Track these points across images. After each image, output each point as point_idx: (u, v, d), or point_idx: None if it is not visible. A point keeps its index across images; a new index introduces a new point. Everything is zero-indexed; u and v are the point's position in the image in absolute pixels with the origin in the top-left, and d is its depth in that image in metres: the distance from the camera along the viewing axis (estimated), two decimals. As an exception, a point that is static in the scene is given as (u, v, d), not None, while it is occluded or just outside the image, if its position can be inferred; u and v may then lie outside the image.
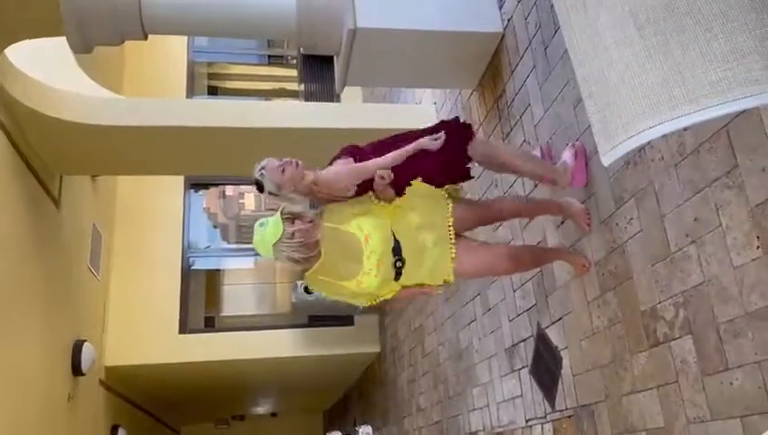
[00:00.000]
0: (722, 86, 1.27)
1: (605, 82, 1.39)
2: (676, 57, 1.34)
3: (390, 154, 2.67)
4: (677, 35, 1.36)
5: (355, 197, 2.67)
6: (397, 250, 2.57)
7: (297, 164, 2.62)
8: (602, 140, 1.39)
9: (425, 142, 2.71)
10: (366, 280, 2.53)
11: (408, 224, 2.64)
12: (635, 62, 1.37)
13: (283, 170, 2.59)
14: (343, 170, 2.66)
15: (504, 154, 2.99)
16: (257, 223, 2.52)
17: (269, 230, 2.45)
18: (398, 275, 2.60)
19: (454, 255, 2.64)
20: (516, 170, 3.09)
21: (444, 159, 2.74)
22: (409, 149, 2.69)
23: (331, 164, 2.76)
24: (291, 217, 2.46)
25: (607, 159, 1.39)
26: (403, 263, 2.58)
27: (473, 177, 2.97)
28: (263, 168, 2.62)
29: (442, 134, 2.74)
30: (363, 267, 2.50)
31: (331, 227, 2.55)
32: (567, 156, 2.94)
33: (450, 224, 2.68)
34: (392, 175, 2.63)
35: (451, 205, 2.72)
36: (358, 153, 2.74)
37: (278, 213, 2.47)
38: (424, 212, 2.68)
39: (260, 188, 2.64)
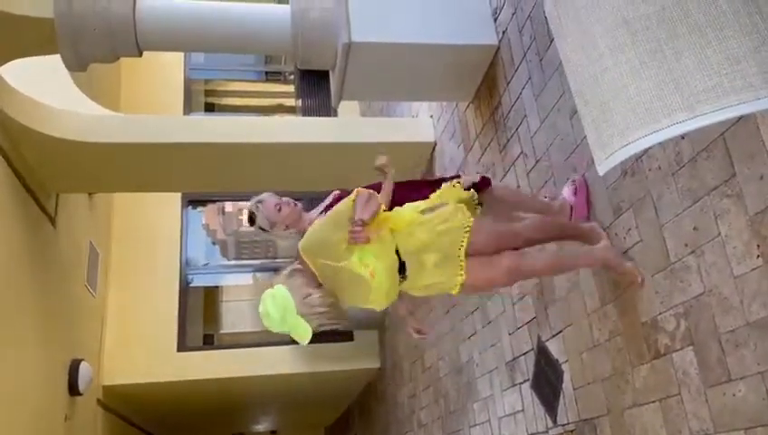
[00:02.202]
0: (717, 93, 1.25)
1: (599, 91, 1.37)
2: (671, 64, 1.32)
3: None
4: (671, 42, 1.35)
5: None
6: (402, 269, 2.48)
7: (295, 205, 2.60)
8: (597, 149, 1.37)
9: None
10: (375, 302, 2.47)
11: (413, 244, 2.47)
12: (629, 70, 1.35)
13: (280, 209, 2.57)
14: None
15: (499, 193, 2.98)
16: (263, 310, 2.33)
17: (280, 309, 2.28)
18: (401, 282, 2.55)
19: (461, 279, 2.48)
20: (511, 203, 3.07)
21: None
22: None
23: (325, 212, 2.73)
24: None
25: (602, 168, 1.37)
26: (406, 278, 2.53)
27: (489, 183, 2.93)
28: (260, 201, 2.60)
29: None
30: (370, 295, 2.43)
31: (328, 264, 2.37)
32: (566, 192, 2.93)
33: (461, 254, 2.47)
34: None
35: (468, 232, 2.48)
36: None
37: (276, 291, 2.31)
38: (434, 234, 2.49)
39: (251, 220, 2.61)
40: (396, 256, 2.44)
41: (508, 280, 2.61)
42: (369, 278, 2.35)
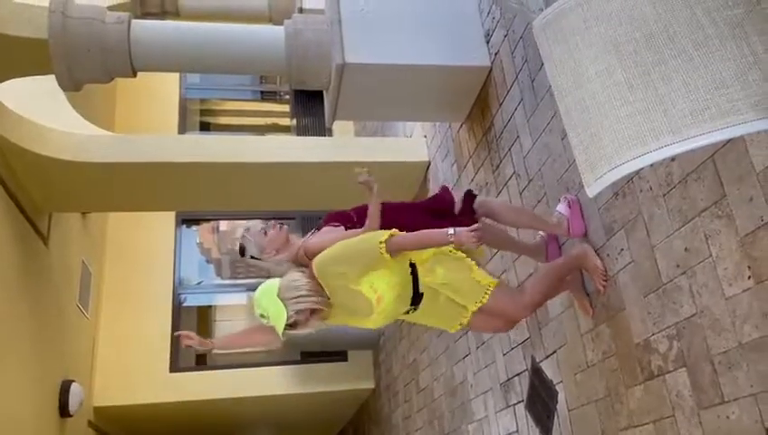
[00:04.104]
0: (704, 116, 1.27)
1: (587, 114, 1.38)
2: (659, 88, 1.34)
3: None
4: (659, 67, 1.37)
5: None
6: (415, 300, 2.49)
7: (281, 227, 2.60)
8: (586, 171, 1.38)
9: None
10: (372, 323, 2.48)
11: (432, 279, 2.49)
12: (617, 94, 1.36)
13: (266, 233, 2.57)
14: (336, 238, 2.59)
15: (497, 208, 3.00)
16: (256, 311, 2.34)
17: (272, 315, 2.30)
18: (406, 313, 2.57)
19: (460, 326, 2.59)
20: (512, 225, 3.09)
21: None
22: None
23: (318, 229, 2.74)
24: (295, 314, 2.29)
25: (591, 190, 1.37)
26: (417, 310, 2.54)
27: (476, 195, 2.96)
28: (246, 229, 2.60)
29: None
30: (371, 317, 2.44)
31: (336, 285, 2.38)
32: (561, 207, 2.95)
33: (474, 308, 2.52)
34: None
35: (489, 294, 2.52)
36: (342, 218, 2.73)
37: (280, 317, 2.29)
38: (455, 280, 2.52)
39: (242, 251, 2.60)
40: (411, 289, 2.45)
41: (508, 330, 2.85)
42: (375, 304, 2.35)
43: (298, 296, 2.30)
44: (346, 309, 2.46)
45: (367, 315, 2.42)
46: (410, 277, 2.45)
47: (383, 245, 2.32)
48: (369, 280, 2.35)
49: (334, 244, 2.45)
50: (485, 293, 2.51)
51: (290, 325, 2.29)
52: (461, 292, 2.51)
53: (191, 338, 2.55)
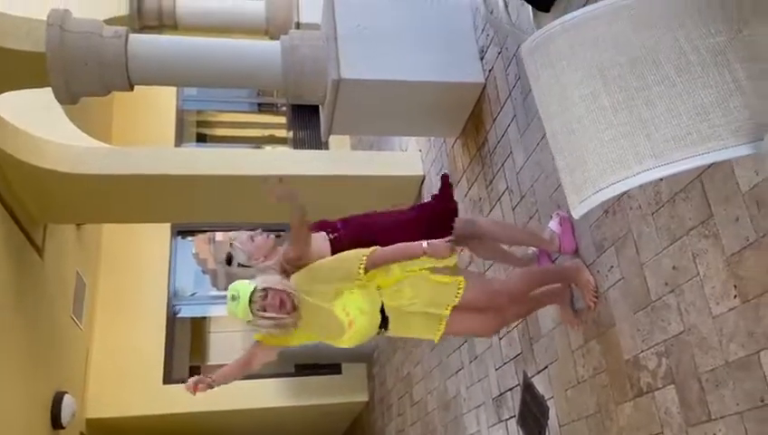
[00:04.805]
0: (686, 141, 1.30)
1: (573, 137, 1.41)
2: (642, 113, 1.37)
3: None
4: (643, 92, 1.40)
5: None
6: (383, 324, 2.53)
7: (267, 235, 2.64)
8: (571, 193, 1.40)
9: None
10: (344, 343, 2.52)
11: (399, 301, 2.52)
12: (602, 118, 1.39)
13: (252, 239, 2.60)
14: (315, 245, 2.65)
15: (490, 227, 3.03)
16: (229, 293, 2.41)
17: (240, 310, 2.37)
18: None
19: (441, 332, 2.60)
20: (502, 241, 3.12)
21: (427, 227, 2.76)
22: None
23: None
24: (264, 293, 2.36)
25: (576, 212, 1.40)
26: (387, 330, 2.58)
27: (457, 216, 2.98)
28: (233, 239, 2.63)
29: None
30: (343, 337, 2.49)
31: (312, 302, 2.44)
32: (553, 224, 2.98)
33: (446, 312, 2.54)
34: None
35: (460, 293, 2.53)
36: (326, 226, 2.76)
37: (247, 294, 2.36)
38: (424, 294, 2.54)
39: (229, 260, 2.63)
40: (379, 315, 2.49)
41: (489, 335, 2.86)
42: (347, 327, 2.42)
43: (272, 283, 2.39)
44: (320, 328, 2.53)
45: (339, 336, 2.49)
46: (380, 301, 2.49)
47: (363, 261, 2.40)
48: (341, 302, 2.42)
49: (307, 251, 2.55)
50: (458, 288, 2.52)
51: (258, 311, 2.35)
52: (435, 300, 2.53)
53: (202, 382, 2.58)
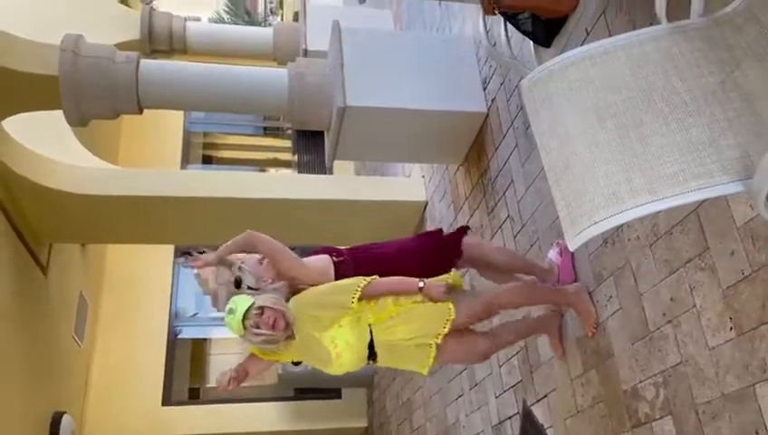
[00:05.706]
0: (678, 178, 1.34)
1: (569, 171, 1.46)
2: (636, 150, 1.42)
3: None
4: (638, 129, 1.45)
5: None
6: (371, 356, 2.57)
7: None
8: (567, 226, 1.44)
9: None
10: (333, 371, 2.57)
11: (390, 338, 2.54)
12: (597, 153, 1.44)
13: (261, 262, 2.64)
14: (315, 266, 2.71)
15: (492, 253, 3.07)
16: (228, 306, 2.44)
17: (234, 324, 2.39)
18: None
19: (428, 365, 2.62)
20: (506, 269, 3.15)
21: (432, 258, 2.80)
22: None
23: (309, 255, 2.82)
24: (260, 311, 2.38)
25: (572, 244, 1.44)
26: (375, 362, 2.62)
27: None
28: (241, 262, 2.66)
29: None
30: (329, 367, 2.55)
31: (303, 329, 2.48)
32: (552, 254, 3.01)
33: (436, 341, 2.54)
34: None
35: (449, 323, 2.53)
36: (332, 250, 2.81)
37: (244, 310, 2.38)
38: (415, 327, 2.56)
39: (238, 284, 2.66)
40: (366, 350, 2.53)
41: (480, 361, 2.87)
42: (335, 358, 2.48)
43: (270, 302, 2.41)
44: (310, 355, 2.58)
45: (328, 364, 2.54)
46: (368, 337, 2.52)
47: (359, 290, 2.44)
48: (330, 335, 2.47)
49: (310, 270, 2.60)
50: (449, 310, 2.53)
51: (251, 327, 2.36)
52: (424, 329, 2.54)
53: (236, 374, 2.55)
